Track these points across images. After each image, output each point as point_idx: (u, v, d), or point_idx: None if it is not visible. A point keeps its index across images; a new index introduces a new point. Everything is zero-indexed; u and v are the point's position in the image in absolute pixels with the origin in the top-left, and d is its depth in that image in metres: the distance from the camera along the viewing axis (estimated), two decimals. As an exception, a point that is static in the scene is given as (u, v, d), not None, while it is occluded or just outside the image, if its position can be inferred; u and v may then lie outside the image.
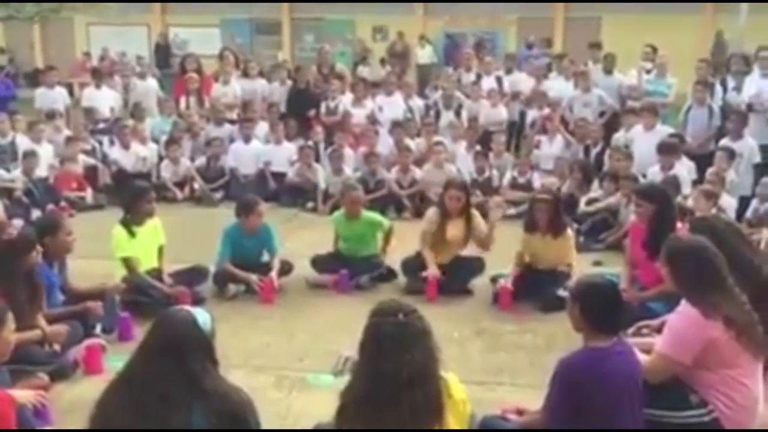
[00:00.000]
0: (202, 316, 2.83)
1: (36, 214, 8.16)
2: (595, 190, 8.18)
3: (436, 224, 6.22)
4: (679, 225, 5.23)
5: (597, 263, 6.84)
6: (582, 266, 6.27)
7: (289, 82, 11.36)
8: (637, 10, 19.12)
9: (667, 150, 7.94)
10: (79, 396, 4.31)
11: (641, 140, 8.72)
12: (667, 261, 3.77)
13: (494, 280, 6.10)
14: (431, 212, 6.36)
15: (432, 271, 6.09)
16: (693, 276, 3.58)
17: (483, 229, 6.21)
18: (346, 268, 6.28)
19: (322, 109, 10.90)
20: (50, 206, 8.54)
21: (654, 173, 7.92)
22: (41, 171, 9.13)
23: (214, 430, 2.66)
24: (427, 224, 6.32)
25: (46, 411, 3.73)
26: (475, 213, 6.32)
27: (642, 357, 3.50)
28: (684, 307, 3.60)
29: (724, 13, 18.41)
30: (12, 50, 22.64)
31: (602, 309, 3.25)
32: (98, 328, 5.06)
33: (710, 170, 7.63)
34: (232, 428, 2.70)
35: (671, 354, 3.52)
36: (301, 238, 7.37)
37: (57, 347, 4.55)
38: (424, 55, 19.84)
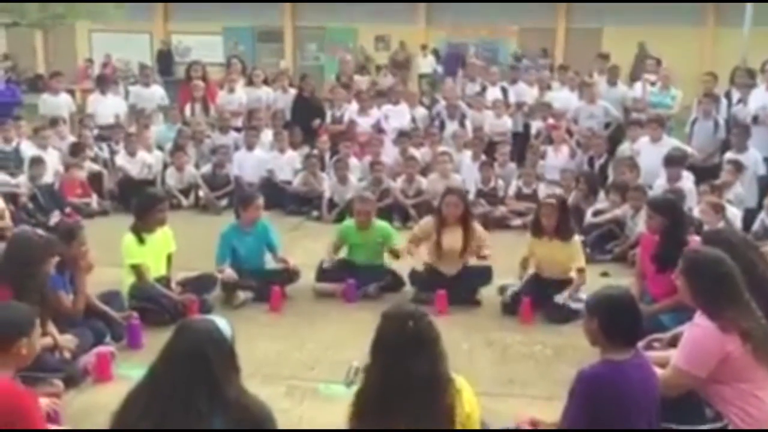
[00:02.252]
0: (222, 323, 2.82)
1: (55, 218, 8.15)
2: (601, 202, 8.18)
3: (431, 232, 6.21)
4: (692, 237, 5.23)
5: (604, 274, 6.82)
6: (589, 278, 6.28)
7: (293, 91, 11.37)
8: (638, 22, 19.22)
9: (674, 162, 7.95)
10: (89, 403, 4.33)
11: (648, 152, 8.71)
12: (684, 274, 3.75)
13: (502, 290, 6.08)
14: (427, 219, 6.41)
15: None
16: (711, 290, 3.57)
17: (482, 238, 6.17)
18: (354, 277, 6.24)
19: (328, 118, 10.90)
20: (55, 212, 8.52)
21: (660, 185, 7.92)
22: (47, 177, 9.10)
23: None
24: (418, 229, 6.45)
25: (58, 418, 3.71)
26: (476, 224, 6.26)
27: (657, 371, 3.48)
28: (701, 320, 3.59)
29: (725, 26, 18.52)
30: (14, 56, 22.62)
31: (622, 322, 3.22)
32: (108, 336, 5.05)
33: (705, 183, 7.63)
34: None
35: (688, 368, 3.51)
36: (306, 247, 7.35)
37: (67, 355, 4.53)
38: (426, 64, 19.88)
